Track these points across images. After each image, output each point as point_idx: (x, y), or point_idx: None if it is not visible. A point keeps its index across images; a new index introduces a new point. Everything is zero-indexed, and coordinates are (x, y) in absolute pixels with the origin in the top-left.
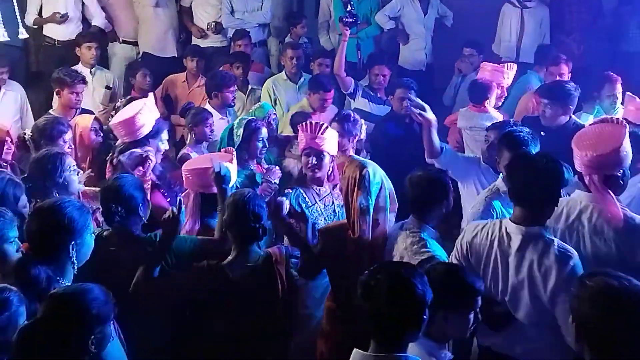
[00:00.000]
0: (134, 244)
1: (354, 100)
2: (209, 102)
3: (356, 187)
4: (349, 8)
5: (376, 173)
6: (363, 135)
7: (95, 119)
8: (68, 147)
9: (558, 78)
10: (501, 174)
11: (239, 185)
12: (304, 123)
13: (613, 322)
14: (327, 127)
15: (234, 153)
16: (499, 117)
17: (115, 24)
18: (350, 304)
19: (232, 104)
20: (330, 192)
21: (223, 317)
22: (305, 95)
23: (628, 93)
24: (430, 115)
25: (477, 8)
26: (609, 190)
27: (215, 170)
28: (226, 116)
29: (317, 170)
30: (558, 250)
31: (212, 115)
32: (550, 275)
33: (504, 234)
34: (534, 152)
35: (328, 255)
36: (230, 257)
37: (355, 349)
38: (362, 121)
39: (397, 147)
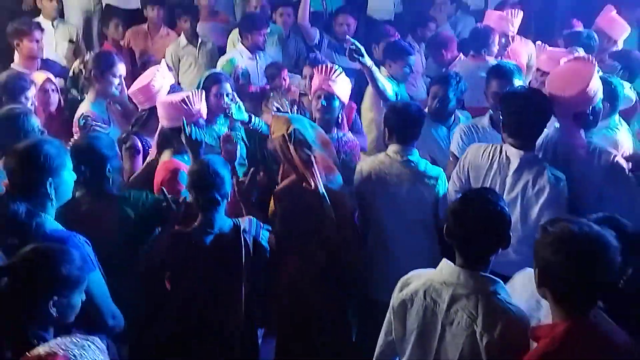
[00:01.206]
0: (107, 201)
1: (320, 51)
2: (241, 42)
3: (291, 143)
4: None
5: (304, 125)
6: None
7: (48, 79)
8: (31, 104)
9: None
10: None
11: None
12: (319, 65)
13: (572, 268)
14: (341, 72)
15: (202, 93)
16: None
17: None
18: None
19: (262, 47)
20: (338, 139)
21: (187, 284)
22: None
23: (538, 42)
24: (367, 60)
25: None
26: (578, 126)
27: (187, 133)
28: (255, 59)
29: (326, 113)
30: (551, 173)
31: (120, 63)
32: (542, 194)
33: (504, 157)
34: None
35: (293, 214)
36: (195, 223)
37: (444, 259)
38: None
39: None
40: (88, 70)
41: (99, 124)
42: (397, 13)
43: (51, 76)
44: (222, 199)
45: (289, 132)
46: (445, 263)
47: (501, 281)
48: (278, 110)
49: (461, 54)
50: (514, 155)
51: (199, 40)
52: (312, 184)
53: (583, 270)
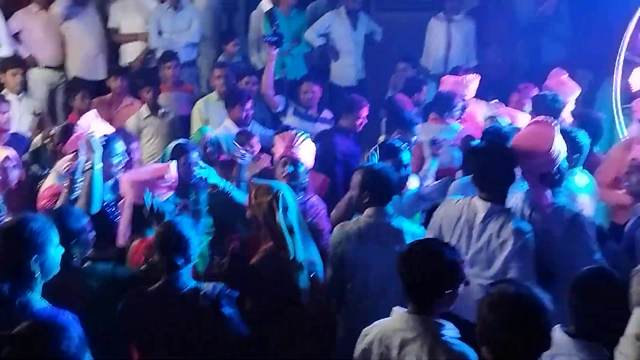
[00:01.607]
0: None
1: (285, 117)
2: (228, 115)
3: (276, 210)
4: (274, 28)
5: (287, 191)
6: None
7: (7, 157)
8: None
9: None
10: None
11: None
12: (283, 132)
13: (506, 329)
14: (305, 138)
15: (170, 166)
16: (459, 128)
17: (35, 49)
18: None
19: (247, 121)
20: (304, 203)
21: (152, 348)
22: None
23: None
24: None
25: (406, 23)
26: (544, 187)
27: (148, 205)
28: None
29: (292, 179)
30: (515, 224)
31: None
32: (506, 245)
33: (472, 208)
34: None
35: (270, 285)
36: (157, 284)
37: (396, 307)
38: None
39: (347, 160)
40: (54, 144)
41: None
42: (359, 79)
43: (12, 152)
44: (185, 262)
45: (277, 197)
46: (396, 310)
47: (449, 323)
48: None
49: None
50: (481, 206)
51: (161, 111)
52: (291, 252)
53: (516, 331)
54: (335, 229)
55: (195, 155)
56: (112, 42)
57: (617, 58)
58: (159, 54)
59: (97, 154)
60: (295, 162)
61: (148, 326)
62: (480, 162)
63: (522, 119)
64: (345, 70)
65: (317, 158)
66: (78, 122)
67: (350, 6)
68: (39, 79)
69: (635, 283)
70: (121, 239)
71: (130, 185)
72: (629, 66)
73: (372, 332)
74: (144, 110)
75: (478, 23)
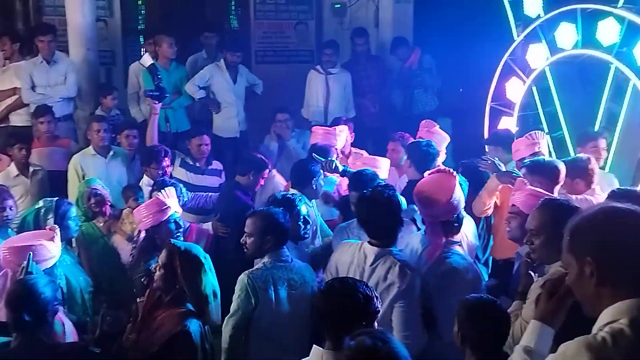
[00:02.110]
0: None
1: (172, 170)
2: (145, 173)
3: (203, 274)
4: (156, 82)
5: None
6: (186, 198)
7: None
8: None
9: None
10: None
11: None
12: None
13: None
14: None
15: (57, 231)
16: (337, 179)
17: None
18: None
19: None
20: None
21: None
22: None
23: (354, 151)
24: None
25: (286, 74)
26: (441, 235)
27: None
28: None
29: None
30: (399, 267)
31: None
32: (392, 287)
33: (363, 252)
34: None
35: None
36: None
37: (314, 346)
38: (182, 187)
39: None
40: None
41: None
42: (241, 130)
43: None
44: (35, 320)
45: (204, 260)
46: (314, 348)
47: None
48: None
49: None
50: (370, 251)
51: (31, 169)
52: (213, 316)
53: None
54: (243, 278)
55: (73, 210)
56: None
57: (486, 107)
58: (32, 109)
59: None
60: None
61: None
62: (367, 210)
63: (382, 164)
64: (228, 122)
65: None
66: None
67: (230, 60)
68: None
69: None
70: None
71: (12, 251)
72: (496, 114)
73: None
74: (13, 169)
75: (353, 75)
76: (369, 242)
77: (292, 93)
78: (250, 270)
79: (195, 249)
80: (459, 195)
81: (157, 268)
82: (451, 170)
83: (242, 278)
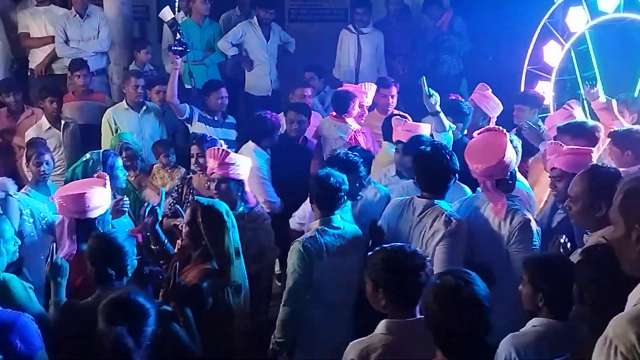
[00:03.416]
0: None
1: (191, 125)
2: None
3: (225, 231)
4: (177, 36)
5: (231, 212)
6: None
7: None
8: None
9: (390, 98)
10: None
11: None
12: (213, 148)
13: (449, 317)
14: (229, 153)
15: (107, 178)
16: (357, 127)
17: None
18: None
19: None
20: (243, 213)
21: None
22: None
23: (395, 117)
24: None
25: (318, 33)
26: (500, 192)
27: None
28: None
29: (223, 196)
30: (445, 216)
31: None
32: (437, 234)
33: (412, 205)
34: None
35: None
36: (91, 297)
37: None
38: (222, 141)
39: (292, 167)
40: None
41: None
42: (273, 89)
43: None
44: (118, 273)
45: (227, 217)
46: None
47: None
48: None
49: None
50: (419, 204)
51: (63, 122)
52: (233, 274)
53: (457, 319)
54: (297, 246)
55: (120, 162)
56: (22, 48)
57: (522, 71)
58: (66, 63)
59: None
60: (224, 180)
61: (81, 341)
62: (422, 164)
63: (424, 129)
64: (260, 80)
65: None
66: None
67: (263, 17)
68: None
69: None
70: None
71: (66, 199)
72: (532, 78)
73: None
74: (44, 122)
75: (385, 35)
76: (418, 196)
77: (325, 52)
78: (303, 238)
79: (219, 206)
80: (511, 153)
81: (184, 225)
82: (501, 128)
83: (296, 246)
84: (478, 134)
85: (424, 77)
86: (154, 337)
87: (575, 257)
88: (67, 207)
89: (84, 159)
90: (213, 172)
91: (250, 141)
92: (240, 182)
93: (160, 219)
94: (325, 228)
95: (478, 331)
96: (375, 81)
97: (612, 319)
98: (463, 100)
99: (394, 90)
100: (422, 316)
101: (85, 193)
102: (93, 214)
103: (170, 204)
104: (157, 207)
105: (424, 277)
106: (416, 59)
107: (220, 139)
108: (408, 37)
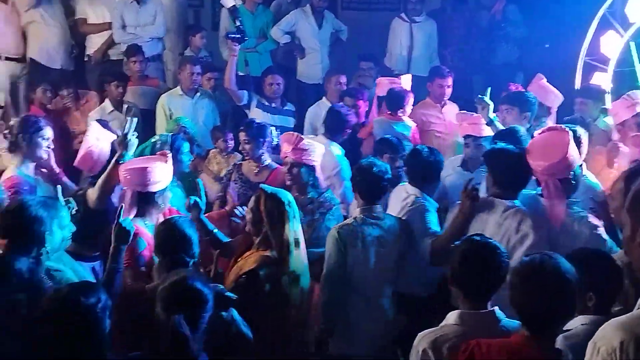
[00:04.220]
0: None
1: (249, 111)
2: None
3: (287, 220)
4: (237, 24)
5: (294, 201)
6: (276, 141)
7: None
8: None
9: (446, 88)
10: None
11: None
12: (288, 133)
13: (536, 298)
14: (301, 138)
15: (169, 155)
16: (412, 124)
17: None
18: None
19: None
20: (313, 199)
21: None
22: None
23: (460, 112)
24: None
25: (370, 22)
26: (561, 193)
27: (120, 221)
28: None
29: (295, 181)
30: (532, 219)
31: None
32: (526, 239)
33: (489, 206)
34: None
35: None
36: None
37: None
38: (273, 128)
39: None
40: (14, 135)
41: None
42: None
43: None
44: (189, 260)
45: (289, 206)
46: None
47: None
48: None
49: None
50: (498, 204)
51: (125, 106)
52: (292, 264)
53: (544, 299)
54: (333, 233)
55: (187, 146)
56: (79, 33)
57: (578, 62)
58: (123, 48)
59: (130, 151)
60: (297, 165)
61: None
62: (499, 162)
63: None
64: (311, 68)
65: None
66: (88, 135)
67: (316, 4)
68: (2, 71)
69: None
70: None
71: (130, 172)
72: (589, 69)
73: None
74: (108, 105)
75: (439, 24)
76: (492, 194)
77: (376, 41)
78: (340, 224)
79: (282, 195)
80: (575, 152)
81: (247, 212)
82: (563, 126)
83: (332, 233)
84: (540, 132)
85: (489, 89)
86: (210, 322)
87: (619, 256)
88: (131, 180)
89: (153, 140)
90: (286, 157)
91: (321, 135)
92: (312, 168)
93: (203, 209)
94: (365, 217)
95: (563, 307)
96: (428, 70)
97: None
98: (524, 90)
99: (450, 81)
100: (493, 308)
101: (147, 167)
102: (153, 188)
103: (218, 191)
104: (199, 200)
105: (502, 272)
106: (471, 49)
107: (278, 125)
108: (463, 26)
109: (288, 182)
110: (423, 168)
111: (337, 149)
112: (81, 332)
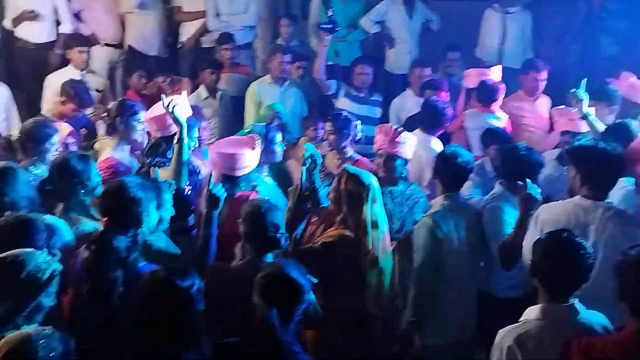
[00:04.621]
0: None
1: (336, 100)
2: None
3: (365, 201)
4: (330, 14)
5: (378, 185)
6: (360, 135)
7: (71, 133)
8: (55, 150)
9: (540, 82)
10: None
11: None
12: (383, 125)
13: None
14: (402, 131)
15: (258, 140)
16: (504, 117)
17: (96, 27)
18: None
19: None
20: (401, 192)
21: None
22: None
23: (558, 107)
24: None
25: (461, 12)
26: None
27: (210, 188)
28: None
29: (388, 172)
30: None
31: (142, 110)
32: (627, 238)
33: (581, 209)
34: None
35: (336, 272)
36: (241, 261)
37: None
38: (359, 122)
39: None
40: (112, 117)
41: None
42: None
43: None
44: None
45: (368, 188)
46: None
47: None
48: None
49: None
50: (592, 206)
51: (219, 93)
52: (369, 245)
53: None
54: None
55: (279, 136)
56: (173, 21)
57: None
58: (215, 36)
59: (184, 129)
60: (391, 157)
61: (229, 302)
62: (595, 161)
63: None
64: (400, 58)
65: None
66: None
67: None
68: (101, 56)
69: None
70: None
71: (219, 156)
72: None
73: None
74: (203, 91)
75: (535, 16)
76: (582, 196)
77: (467, 31)
78: (431, 212)
79: (363, 176)
80: None
81: (330, 191)
82: None
83: (425, 221)
84: None
85: (584, 81)
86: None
87: None
88: (219, 163)
89: (246, 130)
90: (381, 148)
91: (418, 130)
92: (405, 161)
93: (220, 207)
94: (449, 204)
95: None
96: (522, 63)
97: None
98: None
99: (545, 74)
100: (573, 302)
101: (236, 154)
102: (239, 173)
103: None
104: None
105: (585, 271)
106: (567, 41)
107: (365, 115)
108: (559, 18)
109: (381, 174)
110: (520, 166)
111: (437, 144)
112: (176, 315)
